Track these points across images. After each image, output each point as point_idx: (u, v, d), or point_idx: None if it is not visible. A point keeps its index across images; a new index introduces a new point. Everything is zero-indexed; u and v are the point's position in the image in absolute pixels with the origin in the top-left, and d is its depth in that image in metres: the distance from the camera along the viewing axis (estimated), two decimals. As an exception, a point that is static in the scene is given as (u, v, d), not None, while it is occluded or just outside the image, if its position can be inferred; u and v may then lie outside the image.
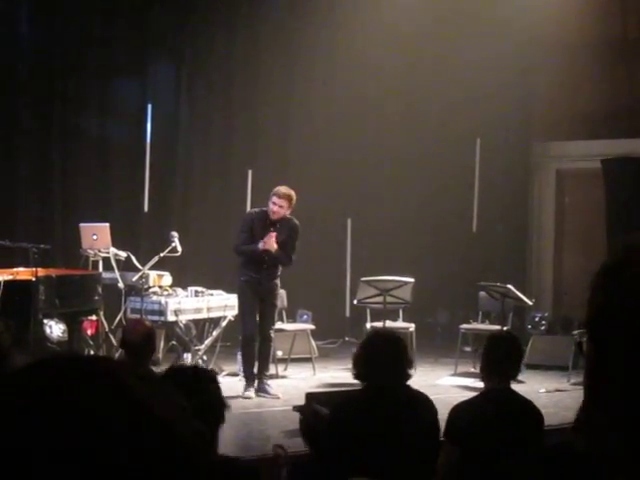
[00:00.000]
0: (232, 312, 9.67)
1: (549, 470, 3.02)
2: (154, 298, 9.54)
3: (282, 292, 9.60)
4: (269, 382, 9.01)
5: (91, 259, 10.09)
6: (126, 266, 9.96)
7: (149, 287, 9.68)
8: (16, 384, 0.77)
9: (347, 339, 12.03)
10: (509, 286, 10.00)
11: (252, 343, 8.87)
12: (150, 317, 8.77)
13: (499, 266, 12.31)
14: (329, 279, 12.43)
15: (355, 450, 4.43)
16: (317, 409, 5.02)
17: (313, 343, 10.66)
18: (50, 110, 11.35)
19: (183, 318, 9.56)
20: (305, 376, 10.03)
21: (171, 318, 9.37)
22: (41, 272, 8.96)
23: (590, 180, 12.59)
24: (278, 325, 9.72)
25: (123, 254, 9.95)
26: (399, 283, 9.94)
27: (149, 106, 11.83)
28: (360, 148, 12.66)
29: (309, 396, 6.49)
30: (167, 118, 12.28)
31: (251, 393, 8.78)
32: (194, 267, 11.20)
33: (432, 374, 10.02)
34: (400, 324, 10.35)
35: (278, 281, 8.98)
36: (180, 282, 10.14)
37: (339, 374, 9.94)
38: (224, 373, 9.49)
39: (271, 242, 8.66)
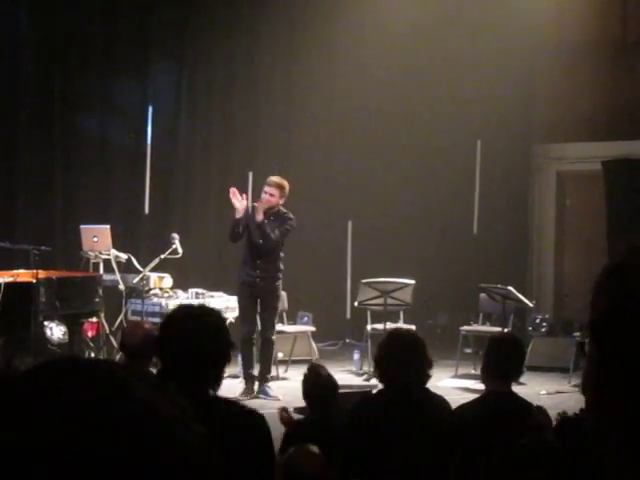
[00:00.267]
0: (233, 314, 9.65)
1: (519, 468, 3.00)
2: (155, 300, 9.54)
3: (283, 294, 9.59)
4: (269, 384, 9.01)
5: (92, 261, 10.10)
6: (127, 268, 9.97)
7: (150, 289, 9.69)
8: (19, 386, 0.77)
9: (348, 341, 12.02)
10: (510, 288, 9.98)
11: (250, 344, 8.86)
12: (151, 319, 8.74)
13: (500, 268, 12.30)
14: (330, 281, 12.42)
15: (372, 451, 4.43)
16: (322, 372, 5.07)
17: (314, 345, 10.66)
18: (51, 111, 11.35)
19: (184, 320, 9.54)
20: (305, 378, 10.02)
21: (172, 320, 9.35)
22: (42, 274, 8.96)
23: (591, 182, 12.59)
24: (279, 327, 9.72)
25: (124, 256, 9.95)
26: (400, 285, 9.94)
27: (150, 107, 11.84)
28: (360, 150, 12.67)
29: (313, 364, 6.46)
30: (168, 119, 12.30)
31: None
32: (195, 269, 11.19)
33: (433, 376, 9.98)
34: (400, 326, 10.34)
35: (279, 283, 8.96)
36: (181, 284, 10.14)
37: (339, 376, 9.87)
38: (224, 375, 9.46)
39: (242, 203, 8.61)
